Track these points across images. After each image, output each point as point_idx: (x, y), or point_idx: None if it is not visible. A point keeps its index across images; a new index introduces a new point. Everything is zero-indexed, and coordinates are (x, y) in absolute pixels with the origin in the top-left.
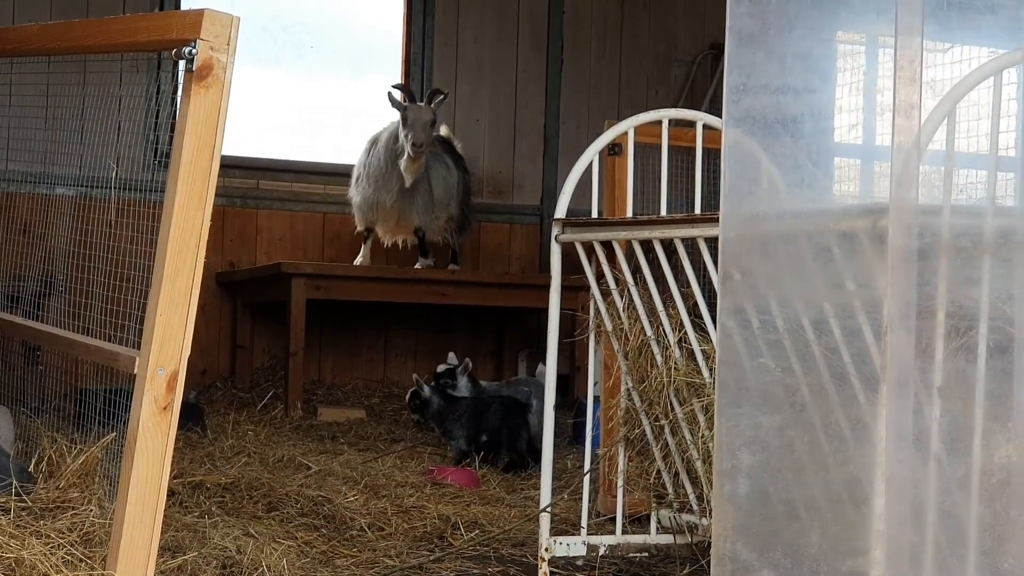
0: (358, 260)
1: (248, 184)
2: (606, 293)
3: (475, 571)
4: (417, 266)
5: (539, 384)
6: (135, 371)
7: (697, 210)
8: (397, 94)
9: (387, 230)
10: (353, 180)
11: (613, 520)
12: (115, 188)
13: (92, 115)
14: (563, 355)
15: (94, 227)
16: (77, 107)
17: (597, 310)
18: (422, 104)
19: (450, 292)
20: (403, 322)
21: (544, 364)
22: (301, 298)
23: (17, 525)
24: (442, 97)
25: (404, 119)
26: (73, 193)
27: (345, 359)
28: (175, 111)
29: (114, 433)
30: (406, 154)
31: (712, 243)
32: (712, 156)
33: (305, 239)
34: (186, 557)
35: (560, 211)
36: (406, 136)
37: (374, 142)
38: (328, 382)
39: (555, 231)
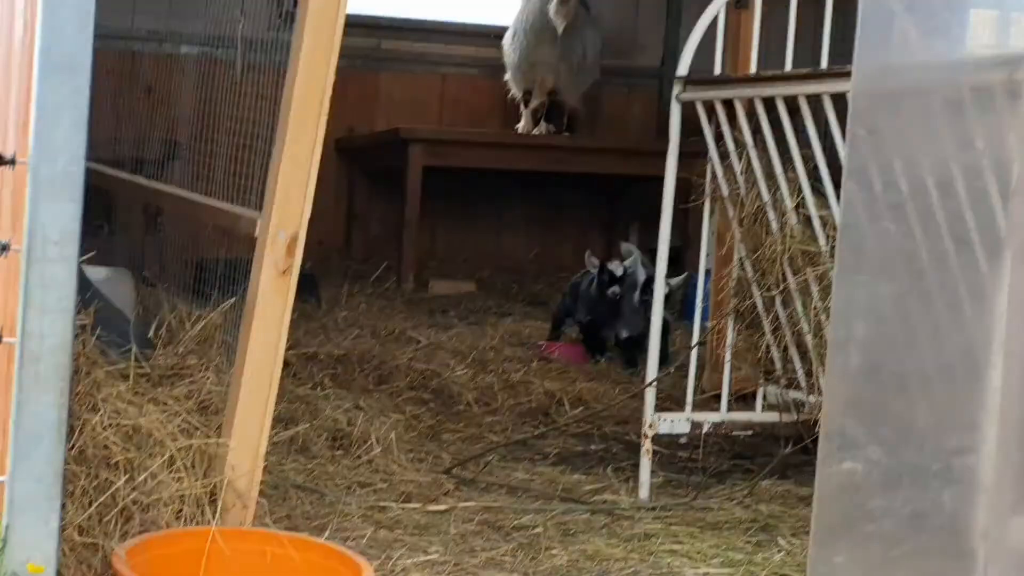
0: (521, 127)
1: (369, 44)
2: (724, 156)
3: (578, 448)
4: (536, 131)
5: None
6: (256, 233)
7: (823, 66)
8: None
9: (544, 90)
10: (508, 38)
11: (718, 398)
12: (240, 47)
13: None
14: (675, 227)
15: (218, 87)
16: None
17: (713, 175)
18: None
19: (566, 159)
20: (516, 192)
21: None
22: (418, 165)
23: (135, 392)
24: None
25: None
26: (197, 52)
27: (458, 230)
28: None
29: (233, 299)
30: None
31: (838, 100)
32: (842, 9)
33: (425, 104)
34: (299, 428)
35: (682, 68)
36: None
37: None
38: (441, 254)
39: (676, 89)
